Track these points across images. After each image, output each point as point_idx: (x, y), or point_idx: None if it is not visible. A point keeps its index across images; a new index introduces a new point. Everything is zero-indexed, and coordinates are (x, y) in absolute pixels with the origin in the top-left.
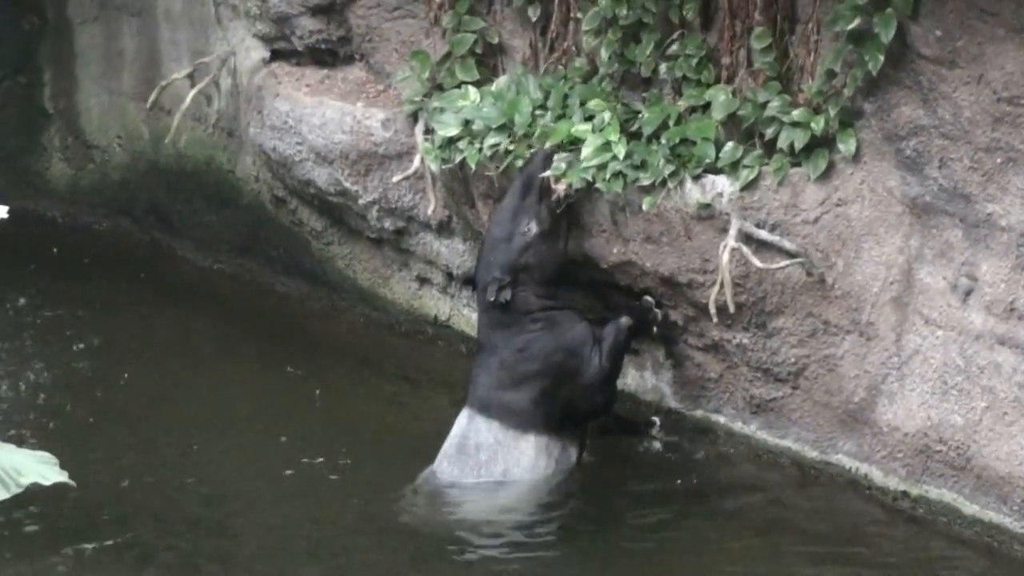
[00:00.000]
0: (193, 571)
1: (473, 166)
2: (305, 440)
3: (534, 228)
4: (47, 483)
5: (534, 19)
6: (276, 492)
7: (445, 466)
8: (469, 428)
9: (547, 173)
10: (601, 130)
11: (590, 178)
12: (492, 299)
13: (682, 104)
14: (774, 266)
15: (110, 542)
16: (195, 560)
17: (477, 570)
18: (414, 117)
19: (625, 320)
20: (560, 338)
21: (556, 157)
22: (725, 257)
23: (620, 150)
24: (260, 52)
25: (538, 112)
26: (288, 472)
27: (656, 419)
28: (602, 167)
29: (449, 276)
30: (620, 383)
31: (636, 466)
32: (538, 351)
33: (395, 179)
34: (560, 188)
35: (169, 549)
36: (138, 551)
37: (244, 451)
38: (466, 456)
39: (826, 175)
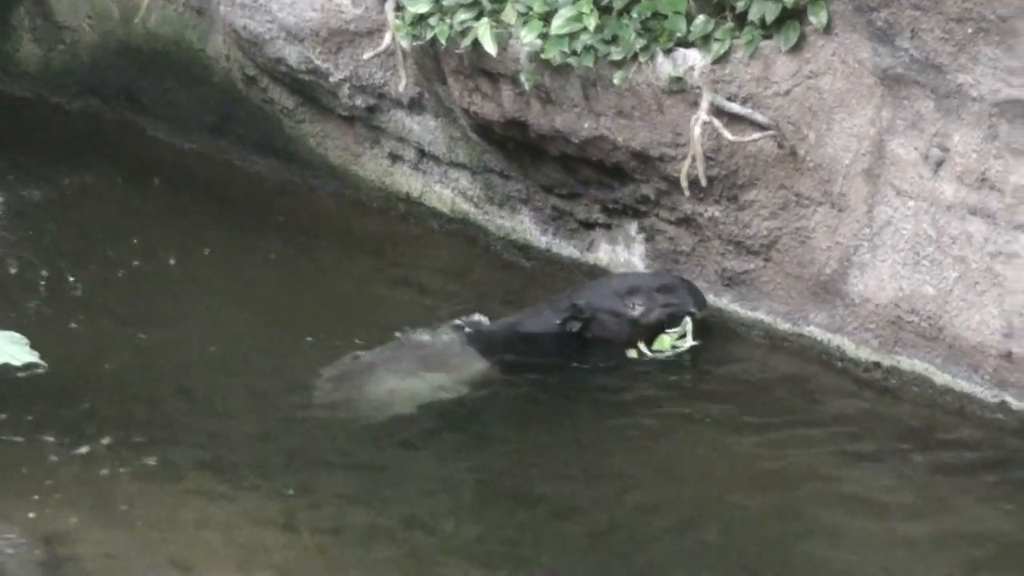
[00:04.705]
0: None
1: (444, 42)
2: (278, 317)
3: (637, 313)
4: (18, 363)
5: None
6: (243, 369)
7: (378, 351)
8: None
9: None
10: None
11: (566, 49)
12: (570, 329)
13: None
14: (746, 139)
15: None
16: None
17: (419, 446)
18: None
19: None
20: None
21: (529, 30)
22: (697, 130)
23: (591, 22)
24: None
25: None
26: (259, 348)
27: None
28: (573, 39)
29: (421, 153)
30: (592, 257)
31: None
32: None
33: (366, 56)
34: None
35: (127, 418)
36: (99, 417)
37: (217, 329)
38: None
39: (797, 47)
